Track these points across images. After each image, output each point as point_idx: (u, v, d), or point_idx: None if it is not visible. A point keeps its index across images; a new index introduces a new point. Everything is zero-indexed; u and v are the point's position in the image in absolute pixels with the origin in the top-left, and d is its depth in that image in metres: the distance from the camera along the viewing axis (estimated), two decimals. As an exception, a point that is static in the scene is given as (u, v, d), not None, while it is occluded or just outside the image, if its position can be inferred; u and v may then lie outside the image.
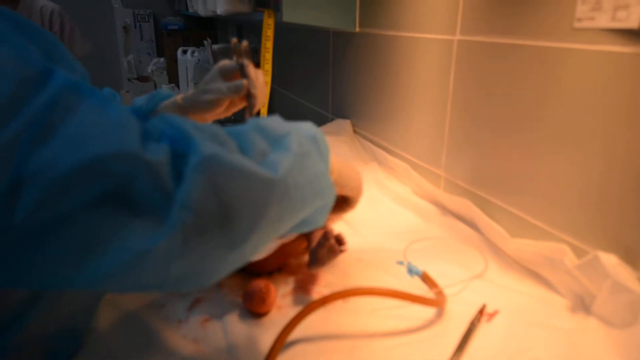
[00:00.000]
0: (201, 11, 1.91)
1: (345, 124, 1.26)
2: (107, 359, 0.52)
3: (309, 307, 0.53)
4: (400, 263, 0.68)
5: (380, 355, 0.52)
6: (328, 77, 1.40)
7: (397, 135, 1.05)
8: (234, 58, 0.76)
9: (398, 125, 1.04)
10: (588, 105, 0.59)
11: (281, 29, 1.62)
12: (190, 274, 0.37)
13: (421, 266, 0.65)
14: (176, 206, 0.33)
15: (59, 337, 0.48)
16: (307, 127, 0.48)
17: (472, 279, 0.66)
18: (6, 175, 0.29)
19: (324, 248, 0.62)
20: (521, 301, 0.61)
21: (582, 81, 0.59)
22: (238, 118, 1.87)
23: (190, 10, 2.17)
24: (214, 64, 0.79)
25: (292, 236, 0.66)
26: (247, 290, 0.59)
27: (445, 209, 0.86)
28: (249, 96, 0.74)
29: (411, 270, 0.65)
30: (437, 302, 0.58)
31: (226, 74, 0.75)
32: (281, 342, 0.51)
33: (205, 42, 2.03)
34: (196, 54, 2.47)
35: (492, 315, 0.58)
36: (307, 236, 0.66)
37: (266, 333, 0.55)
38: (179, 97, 0.75)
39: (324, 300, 0.53)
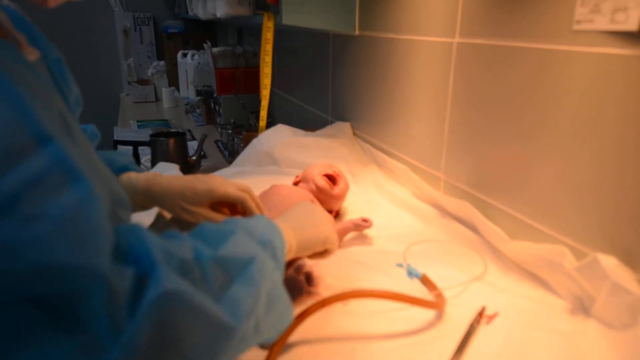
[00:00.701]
0: (201, 14, 1.91)
1: (345, 127, 1.26)
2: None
3: (308, 309, 0.53)
4: (400, 265, 0.68)
5: (380, 358, 0.52)
6: (328, 80, 1.40)
7: (397, 137, 1.05)
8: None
9: (398, 127, 1.04)
10: (587, 107, 0.59)
11: (281, 31, 1.63)
12: None
13: (421, 268, 0.65)
14: (120, 344, 0.32)
15: None
16: (263, 227, 0.50)
17: (471, 281, 0.66)
18: None
19: (289, 283, 0.57)
20: (521, 303, 0.61)
21: (580, 83, 0.59)
22: (240, 123, 1.87)
23: (190, 13, 2.17)
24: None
25: None
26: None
27: (444, 212, 0.86)
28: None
29: (411, 273, 0.65)
30: (437, 304, 0.58)
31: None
32: (281, 344, 0.51)
33: (205, 45, 2.03)
34: (196, 57, 2.47)
35: (491, 318, 0.58)
36: None
37: (265, 335, 0.55)
38: (142, 183, 0.66)
39: (324, 303, 0.53)
